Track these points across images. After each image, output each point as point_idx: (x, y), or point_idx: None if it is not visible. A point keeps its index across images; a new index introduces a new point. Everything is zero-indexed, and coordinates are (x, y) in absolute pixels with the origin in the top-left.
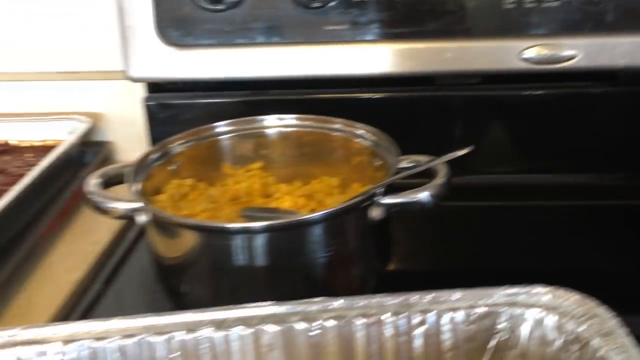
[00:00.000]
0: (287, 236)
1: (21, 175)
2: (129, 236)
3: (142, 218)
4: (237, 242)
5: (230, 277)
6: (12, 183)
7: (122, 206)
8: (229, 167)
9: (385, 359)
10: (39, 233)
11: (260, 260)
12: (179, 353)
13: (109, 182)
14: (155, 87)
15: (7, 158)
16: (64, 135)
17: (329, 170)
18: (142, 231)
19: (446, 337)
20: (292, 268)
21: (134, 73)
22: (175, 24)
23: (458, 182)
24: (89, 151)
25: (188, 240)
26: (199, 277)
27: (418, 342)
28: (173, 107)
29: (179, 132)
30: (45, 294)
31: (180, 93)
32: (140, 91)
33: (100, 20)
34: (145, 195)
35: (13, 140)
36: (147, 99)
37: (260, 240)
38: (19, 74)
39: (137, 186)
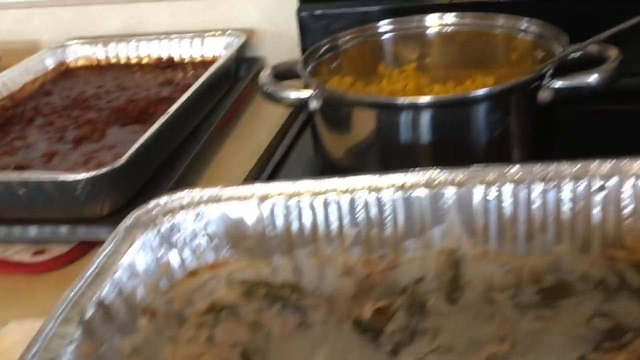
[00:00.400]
0: (454, 112)
1: (187, 86)
2: (289, 136)
3: (313, 104)
4: (405, 117)
5: (397, 156)
6: (180, 91)
7: (295, 94)
8: (384, 68)
9: (562, 224)
10: (206, 135)
11: (426, 137)
12: (362, 211)
13: (279, 76)
14: None
15: (173, 71)
16: (220, 50)
17: (486, 70)
18: (300, 130)
19: (626, 203)
20: (456, 146)
21: None
22: None
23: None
24: (243, 65)
25: (358, 119)
26: (365, 157)
27: (596, 209)
28: (325, 17)
29: None
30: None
31: (331, 3)
32: (291, 7)
33: None
34: None
35: (176, 56)
36: (300, 10)
37: (426, 116)
38: None
39: (309, 73)
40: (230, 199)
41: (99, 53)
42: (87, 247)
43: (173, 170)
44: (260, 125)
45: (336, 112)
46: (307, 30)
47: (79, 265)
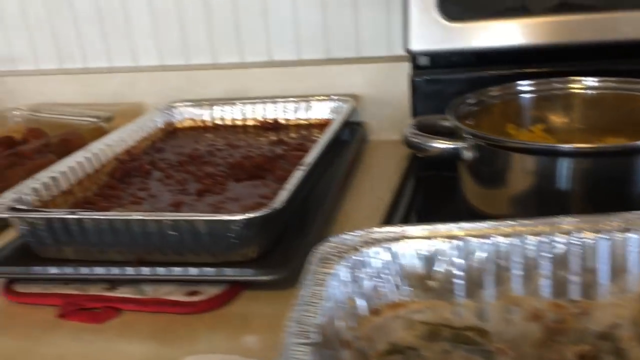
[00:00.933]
0: (619, 161)
1: (299, 145)
2: (406, 191)
3: (466, 154)
4: (567, 164)
5: (553, 204)
6: (294, 150)
7: (447, 144)
8: (513, 128)
9: None
10: (332, 189)
11: (585, 185)
12: (551, 253)
13: (422, 129)
14: (419, 66)
15: (277, 133)
16: (325, 114)
17: (617, 133)
18: (417, 185)
19: None
20: (616, 195)
21: (414, 46)
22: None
23: None
24: (345, 129)
25: (515, 167)
26: (518, 206)
27: None
28: (438, 82)
29: (442, 107)
30: None
31: (444, 69)
32: (396, 74)
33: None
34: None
35: (281, 119)
36: (414, 75)
37: (590, 164)
38: (284, 61)
39: (459, 123)
40: (413, 237)
41: (204, 115)
42: (239, 289)
43: (305, 221)
44: (376, 183)
45: (490, 160)
46: (420, 95)
47: (234, 306)
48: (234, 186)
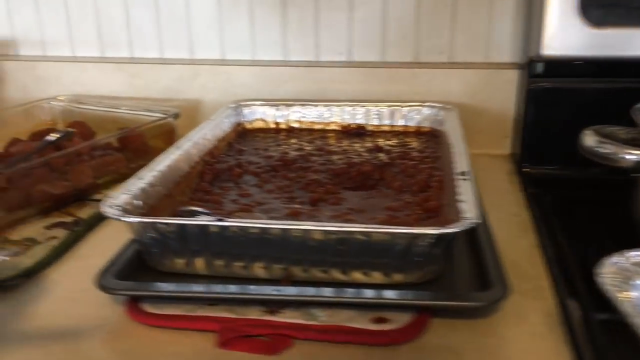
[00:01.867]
0: None
1: (403, 153)
2: (534, 207)
3: None
4: None
5: None
6: (399, 158)
7: None
8: None
9: None
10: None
11: None
12: None
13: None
14: (535, 74)
15: (362, 138)
16: (415, 121)
17: None
18: (542, 201)
19: None
20: None
21: (546, 51)
22: (599, 3)
23: None
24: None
25: None
26: None
27: None
28: (555, 92)
29: (556, 117)
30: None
31: (561, 78)
32: (492, 83)
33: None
34: None
35: (368, 124)
36: (531, 83)
37: None
38: (366, 62)
39: None
40: None
41: (278, 116)
42: (428, 317)
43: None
44: (498, 198)
45: None
46: (534, 105)
47: (433, 337)
48: (348, 195)
